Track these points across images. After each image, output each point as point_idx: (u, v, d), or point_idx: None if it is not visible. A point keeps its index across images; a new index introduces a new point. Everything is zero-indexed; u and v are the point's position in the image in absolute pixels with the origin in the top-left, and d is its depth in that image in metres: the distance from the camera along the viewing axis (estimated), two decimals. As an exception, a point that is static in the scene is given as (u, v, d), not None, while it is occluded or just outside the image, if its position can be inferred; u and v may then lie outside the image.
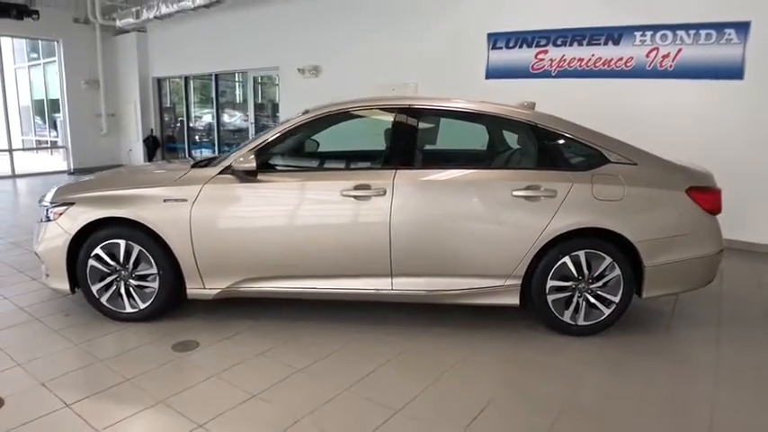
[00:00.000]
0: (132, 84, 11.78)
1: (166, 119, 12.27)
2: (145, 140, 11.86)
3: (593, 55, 6.29)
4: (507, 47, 6.93)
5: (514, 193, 3.11)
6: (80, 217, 3.26)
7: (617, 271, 3.18)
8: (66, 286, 3.35)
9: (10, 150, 10.71)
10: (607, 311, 3.24)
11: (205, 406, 2.45)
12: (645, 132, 5.92)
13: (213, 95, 10.98)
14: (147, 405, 2.45)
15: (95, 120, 11.82)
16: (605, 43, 6.20)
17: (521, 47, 6.82)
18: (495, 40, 6.99)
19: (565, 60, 6.50)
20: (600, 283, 3.21)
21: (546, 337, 3.26)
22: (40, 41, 12.53)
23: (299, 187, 3.26)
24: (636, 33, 5.98)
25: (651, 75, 5.94)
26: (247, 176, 3.17)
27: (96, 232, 3.27)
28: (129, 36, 11.50)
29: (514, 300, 3.24)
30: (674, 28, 5.74)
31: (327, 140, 3.91)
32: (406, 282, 3.23)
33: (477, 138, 3.79)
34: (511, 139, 3.73)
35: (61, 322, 3.38)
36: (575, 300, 3.24)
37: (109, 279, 3.32)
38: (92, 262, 3.29)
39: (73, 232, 3.26)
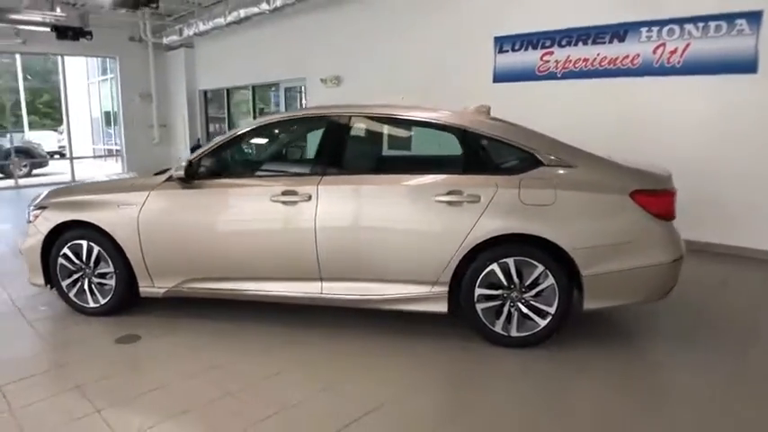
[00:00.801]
0: (181, 96, 12.66)
1: (212, 128, 13.04)
2: (192, 149, 12.66)
3: (598, 54, 6.02)
4: (513, 50, 6.78)
5: (436, 198, 3.09)
6: (50, 219, 3.63)
7: (551, 280, 3.06)
8: (41, 281, 3.73)
9: (71, 159, 11.91)
10: (543, 322, 3.12)
11: (112, 393, 2.66)
12: (653, 132, 5.62)
13: (251, 105, 11.58)
14: (64, 389, 2.70)
15: (148, 130, 12.82)
16: (610, 41, 5.92)
17: (526, 49, 6.65)
18: (502, 43, 6.87)
19: (570, 61, 6.27)
20: (533, 293, 3.10)
21: (476, 347, 3.18)
22: (108, 59, 13.74)
23: (231, 193, 3.42)
24: (642, 29, 5.66)
25: (659, 72, 5.60)
26: (184, 184, 3.39)
27: (65, 233, 3.62)
28: (178, 52, 12.38)
29: (442, 307, 3.20)
30: (681, 21, 5.38)
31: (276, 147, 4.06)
32: (335, 286, 3.29)
33: (414, 144, 3.79)
34: (444, 144, 3.68)
35: (36, 314, 3.76)
36: (506, 309, 3.15)
37: (75, 276, 3.66)
38: (61, 260, 3.63)
39: (45, 233, 3.63)
